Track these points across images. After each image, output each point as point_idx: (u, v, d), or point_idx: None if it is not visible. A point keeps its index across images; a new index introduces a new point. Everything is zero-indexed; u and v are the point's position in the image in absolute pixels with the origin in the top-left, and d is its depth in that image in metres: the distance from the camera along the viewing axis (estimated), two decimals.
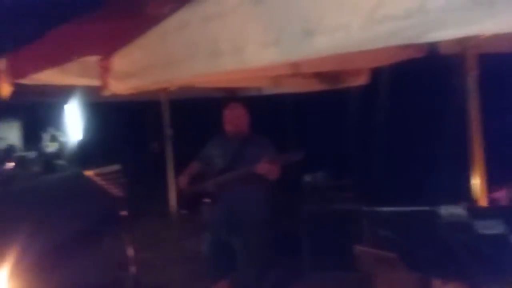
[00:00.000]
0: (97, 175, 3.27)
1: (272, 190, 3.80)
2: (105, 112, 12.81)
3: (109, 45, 3.25)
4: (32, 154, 17.69)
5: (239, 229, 3.71)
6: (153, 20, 2.73)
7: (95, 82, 3.53)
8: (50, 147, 17.67)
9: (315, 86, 5.24)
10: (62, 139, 17.88)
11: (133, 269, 3.79)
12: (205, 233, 3.91)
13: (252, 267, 3.72)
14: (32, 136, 18.39)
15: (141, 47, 2.75)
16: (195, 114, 7.75)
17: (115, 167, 3.31)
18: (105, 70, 3.20)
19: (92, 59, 3.48)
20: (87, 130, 16.58)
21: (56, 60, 3.33)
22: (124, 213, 3.55)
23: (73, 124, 17.20)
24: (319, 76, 5.03)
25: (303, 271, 5.04)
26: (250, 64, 1.95)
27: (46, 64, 3.31)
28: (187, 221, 4.50)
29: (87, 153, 15.44)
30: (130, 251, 3.75)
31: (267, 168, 3.44)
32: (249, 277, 3.71)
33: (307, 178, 5.53)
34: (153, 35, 2.59)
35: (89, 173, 3.29)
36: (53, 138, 17.94)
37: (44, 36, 3.45)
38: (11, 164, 17.26)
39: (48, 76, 3.56)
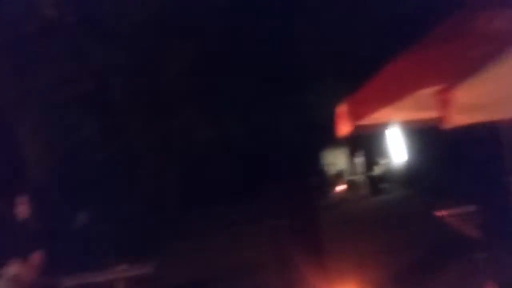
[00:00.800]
0: (451, 215, 3.10)
1: None
2: (426, 135, 12.53)
3: (444, 73, 3.04)
4: (359, 178, 18.78)
5: None
6: (488, 39, 2.41)
7: (431, 115, 3.36)
8: (376, 171, 18.40)
9: None
10: (386, 163, 18.38)
11: None
12: None
13: None
14: (358, 161, 19.55)
15: (492, 76, 2.42)
16: None
17: (470, 207, 3.08)
18: (445, 103, 2.98)
19: (426, 91, 3.33)
20: (409, 154, 16.55)
21: (392, 97, 3.31)
22: (480, 254, 3.26)
23: (395, 148, 17.48)
24: None
25: None
26: None
27: (383, 103, 3.32)
28: None
29: (412, 177, 15.37)
30: None
31: None
32: None
33: None
34: (507, 62, 2.25)
35: (441, 212, 3.15)
36: (378, 162, 18.62)
37: (379, 73, 3.49)
38: (342, 188, 18.73)
39: (384, 114, 3.57)
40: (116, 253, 8.86)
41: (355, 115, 3.51)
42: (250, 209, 10.73)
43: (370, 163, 18.74)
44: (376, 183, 17.71)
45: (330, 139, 16.82)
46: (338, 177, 19.16)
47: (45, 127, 11.51)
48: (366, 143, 17.84)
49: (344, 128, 3.78)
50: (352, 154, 19.85)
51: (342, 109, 3.61)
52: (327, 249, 6.58)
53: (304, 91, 14.23)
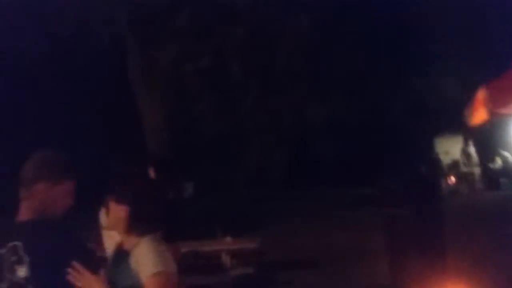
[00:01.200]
0: None
1: None
2: None
3: None
4: (476, 170, 17.45)
5: None
6: None
7: None
8: (496, 164, 16.98)
9: None
10: (508, 155, 16.88)
11: None
12: None
13: None
14: (475, 151, 18.18)
15: None
16: None
17: None
18: None
19: None
20: None
21: None
22: None
23: None
24: None
25: None
26: None
27: None
28: None
29: None
30: None
31: None
32: None
33: None
34: None
35: None
36: (499, 154, 17.15)
37: None
38: (455, 179, 17.56)
39: None
40: (222, 225, 9.14)
41: (495, 102, 3.23)
42: (362, 193, 10.48)
43: (490, 154, 17.38)
44: (495, 176, 16.44)
45: (446, 126, 15.89)
46: (452, 168, 18.01)
47: (165, 101, 12.13)
48: (486, 132, 16.56)
49: (479, 116, 3.51)
50: (469, 143, 18.52)
51: (480, 95, 3.34)
52: (441, 243, 6.26)
53: (423, 73, 13.46)
